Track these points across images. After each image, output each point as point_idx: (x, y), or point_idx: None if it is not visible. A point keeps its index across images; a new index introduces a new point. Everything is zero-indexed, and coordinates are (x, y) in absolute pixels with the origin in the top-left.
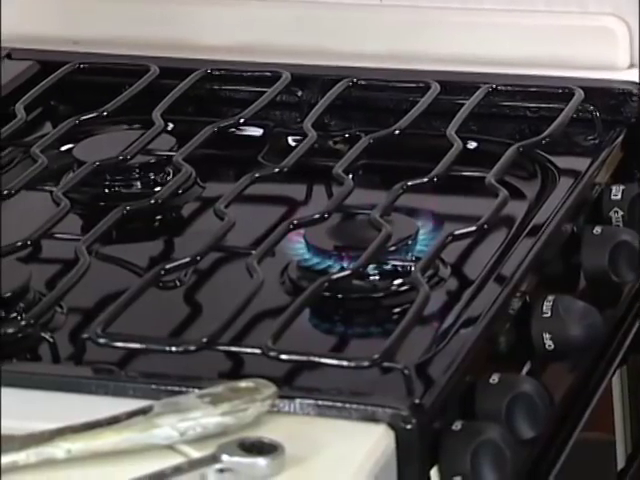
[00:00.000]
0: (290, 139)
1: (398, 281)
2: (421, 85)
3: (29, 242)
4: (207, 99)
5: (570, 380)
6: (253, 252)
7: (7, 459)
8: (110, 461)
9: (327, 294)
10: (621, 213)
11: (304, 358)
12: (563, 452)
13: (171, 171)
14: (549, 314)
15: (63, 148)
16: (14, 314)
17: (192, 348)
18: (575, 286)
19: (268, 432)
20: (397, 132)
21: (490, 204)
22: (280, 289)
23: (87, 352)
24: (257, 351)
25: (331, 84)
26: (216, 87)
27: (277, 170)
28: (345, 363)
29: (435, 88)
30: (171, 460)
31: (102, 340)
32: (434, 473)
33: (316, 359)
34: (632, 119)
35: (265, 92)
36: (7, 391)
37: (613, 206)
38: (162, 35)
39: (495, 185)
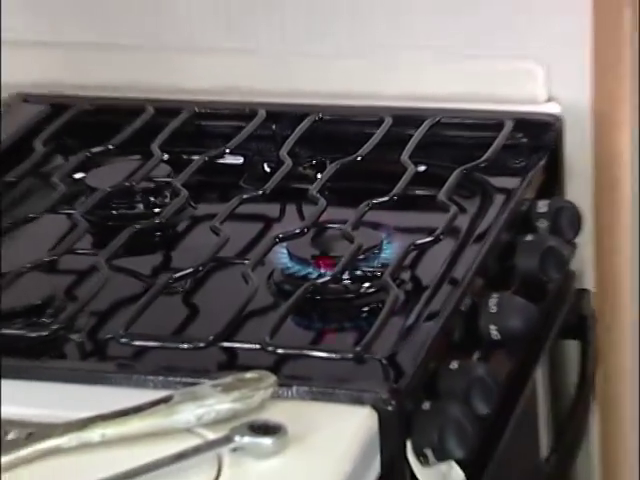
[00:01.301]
0: (266, 166)
1: (367, 284)
2: (376, 119)
3: (55, 257)
4: (195, 134)
5: (512, 364)
6: (247, 262)
7: (52, 443)
8: (137, 444)
9: (307, 296)
10: (547, 223)
11: (297, 352)
12: (508, 426)
13: (168, 194)
14: (495, 310)
15: (76, 176)
16: (44, 319)
17: (201, 345)
18: (511, 285)
19: (271, 415)
20: (359, 159)
21: (439, 218)
22: (267, 292)
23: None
24: (257, 346)
25: (300, 119)
26: (202, 123)
27: (261, 193)
28: (333, 355)
29: (388, 121)
30: (190, 442)
31: (124, 340)
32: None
33: (308, 352)
34: (552, 145)
35: (244, 127)
36: (43, 385)
37: (539, 217)
38: (155, 80)
39: (446, 202)
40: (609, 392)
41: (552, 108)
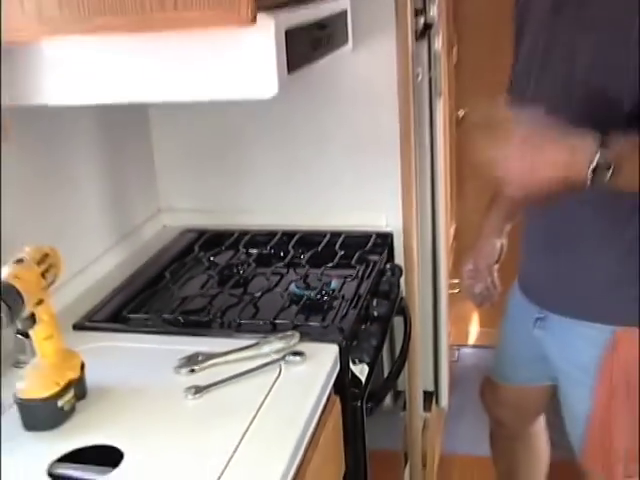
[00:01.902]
0: (282, 253)
1: (326, 297)
2: (323, 235)
3: (204, 291)
4: (254, 242)
5: (382, 327)
6: (280, 290)
7: (214, 361)
8: (247, 361)
9: (305, 302)
10: (390, 272)
11: (304, 323)
12: (380, 352)
13: (246, 265)
14: (375, 304)
15: (211, 259)
16: (204, 313)
17: (267, 322)
18: (380, 295)
19: (299, 348)
20: (319, 249)
21: (352, 271)
22: (289, 301)
23: None
24: (288, 322)
25: (294, 235)
26: (257, 238)
27: (282, 264)
28: (318, 324)
29: (328, 235)
30: (268, 359)
31: (237, 320)
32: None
33: (308, 324)
34: (389, 243)
35: (273, 239)
36: (206, 329)
37: (387, 270)
38: (236, 222)
39: (354, 265)
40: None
41: (388, 229)
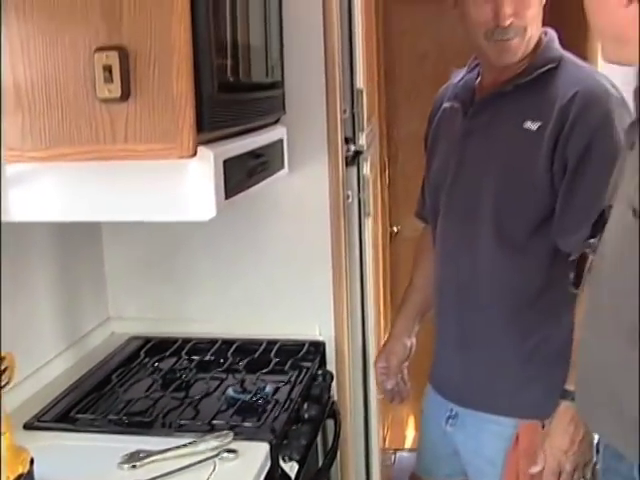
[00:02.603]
0: (222, 360)
1: (261, 400)
2: (260, 343)
3: (149, 393)
4: (196, 349)
5: (313, 428)
6: (219, 394)
7: (155, 458)
8: (185, 457)
9: (241, 404)
10: (321, 378)
11: (239, 424)
12: (310, 451)
13: (188, 370)
14: (306, 408)
15: (155, 364)
16: (146, 414)
17: (205, 423)
18: (311, 399)
19: (232, 446)
20: (256, 356)
21: (285, 376)
22: (226, 404)
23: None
24: (225, 422)
25: (233, 343)
26: (198, 345)
27: (221, 369)
28: (251, 425)
29: (265, 343)
30: (204, 456)
31: (177, 421)
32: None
33: (242, 424)
34: (322, 351)
35: (213, 347)
36: (150, 438)
37: (319, 375)
38: (181, 330)
39: (287, 370)
40: (343, 441)
41: (321, 338)
